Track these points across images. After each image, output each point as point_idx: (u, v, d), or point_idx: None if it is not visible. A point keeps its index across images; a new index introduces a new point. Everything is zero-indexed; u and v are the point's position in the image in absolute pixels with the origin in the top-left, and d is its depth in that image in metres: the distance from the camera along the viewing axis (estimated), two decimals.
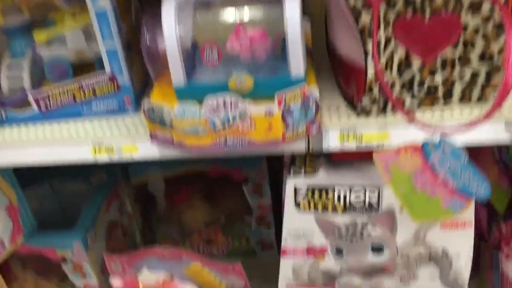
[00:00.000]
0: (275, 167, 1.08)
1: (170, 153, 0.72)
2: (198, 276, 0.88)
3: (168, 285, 0.85)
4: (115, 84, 0.75)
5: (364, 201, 0.74)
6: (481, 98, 0.69)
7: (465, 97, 0.68)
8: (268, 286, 0.94)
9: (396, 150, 0.63)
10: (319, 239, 0.78)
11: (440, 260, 0.76)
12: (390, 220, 0.74)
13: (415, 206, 0.67)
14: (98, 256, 0.95)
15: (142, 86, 0.80)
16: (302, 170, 0.77)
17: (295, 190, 0.75)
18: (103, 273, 0.96)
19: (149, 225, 1.16)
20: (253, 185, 1.04)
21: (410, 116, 0.64)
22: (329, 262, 0.80)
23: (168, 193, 1.11)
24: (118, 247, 1.05)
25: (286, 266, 0.82)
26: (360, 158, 0.78)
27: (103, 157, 0.74)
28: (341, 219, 0.76)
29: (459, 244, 0.75)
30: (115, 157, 0.73)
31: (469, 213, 0.73)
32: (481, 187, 0.60)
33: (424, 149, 0.61)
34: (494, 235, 0.91)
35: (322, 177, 0.76)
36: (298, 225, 0.78)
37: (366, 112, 0.69)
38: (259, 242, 1.13)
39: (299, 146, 0.71)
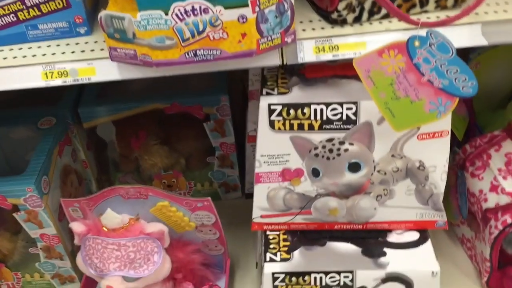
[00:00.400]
0: (237, 105, 1.03)
1: (132, 73, 0.65)
2: (165, 214, 0.82)
3: (134, 226, 0.78)
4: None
5: (341, 117, 0.70)
6: (456, 4, 0.66)
7: (440, 3, 0.64)
8: (234, 229, 0.91)
9: (378, 50, 0.59)
10: (294, 161, 0.74)
11: (416, 174, 0.73)
12: (368, 135, 0.71)
13: (397, 114, 0.64)
14: (54, 204, 0.87)
15: (94, 5, 0.72)
16: (275, 90, 0.72)
17: (269, 110, 0.70)
18: (60, 222, 0.88)
19: (105, 173, 1.08)
20: (215, 122, 0.99)
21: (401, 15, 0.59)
22: (305, 185, 0.76)
23: (123, 137, 1.04)
24: (75, 196, 0.97)
25: (260, 194, 0.77)
26: (334, 75, 0.74)
27: (56, 82, 0.66)
28: (318, 137, 0.71)
29: (435, 156, 0.73)
30: (70, 80, 0.65)
31: (446, 122, 0.70)
32: (468, 83, 0.57)
33: (408, 47, 0.58)
34: (458, 155, 0.90)
35: (296, 95, 0.72)
36: (273, 147, 0.73)
37: (341, 22, 0.65)
38: (223, 184, 1.08)
39: (273, 60, 0.66)
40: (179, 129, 1.04)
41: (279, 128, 0.71)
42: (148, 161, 1.04)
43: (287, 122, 0.71)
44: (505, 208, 0.74)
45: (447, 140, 0.72)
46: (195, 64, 0.63)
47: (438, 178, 0.75)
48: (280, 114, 0.70)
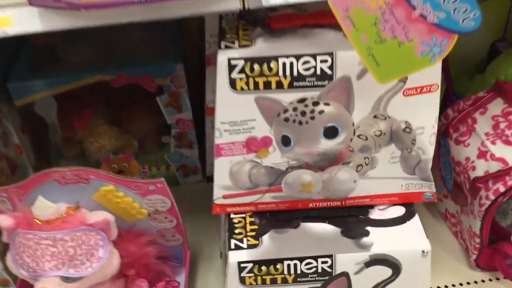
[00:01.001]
0: (194, 75, 0.90)
1: (56, 23, 0.51)
2: (111, 201, 0.69)
3: (73, 216, 0.65)
4: None
5: (315, 72, 0.58)
6: None
7: None
8: (195, 216, 0.80)
9: None
10: (261, 128, 0.61)
11: (402, 137, 0.62)
12: (346, 93, 0.59)
13: (382, 61, 0.52)
14: None
15: None
16: (236, 43, 0.59)
17: (229, 66, 0.57)
18: None
19: (46, 159, 0.94)
20: (170, 96, 0.86)
21: None
22: (274, 157, 0.63)
23: (65, 116, 0.90)
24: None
25: (221, 169, 0.64)
26: (305, 25, 0.61)
27: None
28: (288, 97, 0.59)
29: (423, 115, 0.62)
30: None
31: (435, 74, 0.59)
32: (470, 14, 0.45)
33: None
34: (440, 122, 0.79)
35: (261, 48, 0.59)
36: (235, 112, 0.60)
37: None
38: (181, 167, 0.95)
39: (232, 3, 0.53)
40: (130, 106, 0.91)
41: (242, 88, 0.58)
42: (95, 144, 0.91)
43: (251, 80, 0.58)
44: (497, 176, 0.65)
45: (436, 95, 0.61)
46: (136, 7, 0.49)
47: (426, 141, 0.64)
48: (242, 70, 0.57)
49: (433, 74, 0.59)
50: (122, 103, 0.92)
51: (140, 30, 0.88)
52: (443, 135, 0.80)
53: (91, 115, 0.90)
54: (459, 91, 0.94)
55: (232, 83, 0.59)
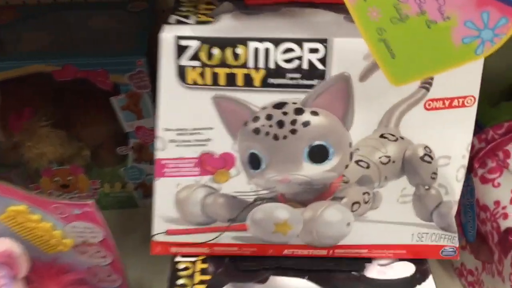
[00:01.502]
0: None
1: None
2: (22, 226, 0.52)
3: None
4: None
5: (300, 66, 0.39)
6: None
7: None
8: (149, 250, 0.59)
9: None
10: (220, 141, 0.43)
11: (418, 167, 0.43)
12: (343, 99, 0.40)
13: (399, 51, 0.33)
14: None
15: None
16: (192, 18, 0.41)
17: (178, 48, 0.39)
18: None
19: None
20: (128, 97, 0.69)
21: None
22: (238, 182, 0.45)
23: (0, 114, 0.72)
24: None
25: (164, 195, 0.46)
26: (291, 2, 0.43)
27: None
28: (260, 100, 0.40)
29: (452, 139, 0.43)
30: None
31: (474, 81, 0.40)
32: None
33: None
34: None
35: (226, 26, 0.41)
36: (184, 115, 0.42)
37: None
38: (140, 186, 0.78)
39: None
40: (85, 107, 0.74)
41: (195, 82, 0.40)
42: (33, 150, 0.74)
43: (207, 72, 0.40)
44: None
45: (471, 113, 0.42)
46: None
47: (452, 177, 0.45)
48: (196, 56, 0.39)
49: (470, 80, 0.40)
50: (74, 102, 0.74)
51: (106, 17, 0.73)
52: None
53: (32, 114, 0.73)
54: (481, 120, 0.76)
55: (181, 73, 0.40)
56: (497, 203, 0.58)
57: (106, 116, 0.74)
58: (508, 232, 0.55)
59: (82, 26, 0.75)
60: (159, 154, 0.45)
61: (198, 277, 0.49)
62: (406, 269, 0.51)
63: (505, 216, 0.57)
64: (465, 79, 0.41)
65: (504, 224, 0.56)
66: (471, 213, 0.62)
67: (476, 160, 0.62)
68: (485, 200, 0.60)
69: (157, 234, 0.49)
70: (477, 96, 0.42)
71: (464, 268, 0.67)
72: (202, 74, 0.41)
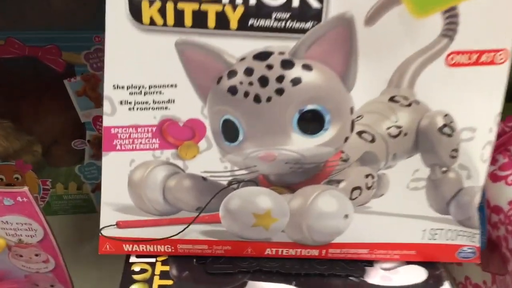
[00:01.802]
0: None
1: None
2: None
3: None
4: None
5: (289, 4, 0.30)
6: None
7: None
8: (111, 260, 0.48)
9: None
10: (186, 103, 0.33)
11: (436, 141, 0.33)
12: (343, 49, 0.31)
13: None
14: None
15: None
16: None
17: None
18: None
19: None
20: (84, 80, 0.59)
21: None
22: (209, 159, 0.34)
23: None
24: None
25: (114, 175, 0.35)
26: None
27: None
28: (237, 48, 0.30)
29: (478, 105, 0.33)
30: None
31: (507, 31, 0.30)
32: None
33: None
34: None
35: None
36: (139, 67, 0.31)
37: None
38: (99, 187, 0.65)
39: None
40: (35, 95, 0.64)
41: (152, 22, 0.30)
42: None
43: (169, 8, 0.30)
44: None
45: (503, 71, 0.33)
46: None
47: (477, 156, 0.36)
48: None
49: (502, 30, 0.31)
50: (23, 88, 0.64)
51: None
52: None
53: None
54: None
55: (135, 9, 0.30)
56: (511, 203, 0.49)
57: (61, 105, 0.64)
58: None
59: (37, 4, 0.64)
60: (107, 121, 0.34)
61: (157, 282, 0.38)
62: (415, 275, 0.41)
63: None
64: (497, 28, 0.32)
65: None
66: (481, 216, 0.53)
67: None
68: (497, 200, 0.51)
69: (105, 227, 0.38)
70: (510, 51, 0.33)
71: (469, 283, 0.57)
72: (161, 11, 0.31)
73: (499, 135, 0.55)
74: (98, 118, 0.63)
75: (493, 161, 0.53)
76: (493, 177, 0.53)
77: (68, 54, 0.59)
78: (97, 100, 0.61)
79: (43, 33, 0.58)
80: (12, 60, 0.59)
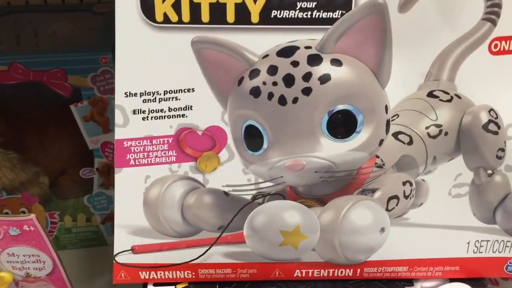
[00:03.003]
0: None
1: None
2: None
3: None
4: None
5: None
6: None
7: None
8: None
9: None
10: (205, 109, 0.29)
11: (479, 143, 0.30)
12: (377, 40, 0.27)
13: None
14: None
15: None
16: None
17: None
18: None
19: None
20: (91, 104, 0.55)
21: None
22: (230, 171, 0.30)
23: None
24: None
25: (128, 194, 0.31)
26: None
27: None
28: (259, 44, 0.27)
29: None
30: None
31: None
32: None
33: None
34: None
35: None
36: (153, 71, 0.28)
37: None
38: (109, 217, 0.63)
39: None
40: (43, 124, 0.61)
41: (167, 19, 0.26)
42: None
43: (184, 2, 0.26)
44: None
45: None
46: None
47: None
48: None
49: None
50: (29, 117, 0.61)
51: (70, 20, 0.61)
52: None
53: None
54: None
55: (146, 5, 0.26)
56: None
57: (68, 132, 0.61)
58: None
59: (43, 31, 0.63)
60: (119, 133, 0.31)
61: None
62: None
63: None
64: None
65: None
66: None
67: None
68: None
69: (119, 253, 0.34)
70: None
71: None
72: (176, 7, 0.28)
73: None
74: (107, 144, 0.60)
75: None
76: None
77: (74, 78, 0.56)
78: (105, 125, 0.58)
79: (47, 56, 0.55)
80: (17, 86, 0.56)
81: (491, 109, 0.32)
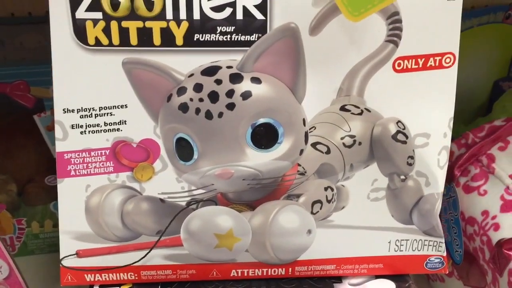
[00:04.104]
0: None
1: None
2: None
3: None
4: None
5: (233, 14, 0.29)
6: None
7: None
8: None
9: None
10: (138, 124, 0.31)
11: (390, 151, 0.32)
12: (291, 59, 0.30)
13: None
14: None
15: None
16: None
17: None
18: None
19: None
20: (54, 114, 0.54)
21: None
22: (165, 180, 0.33)
23: None
24: None
25: (70, 202, 0.33)
26: None
27: None
28: (184, 64, 0.29)
29: (429, 111, 0.32)
30: None
31: (451, 32, 0.30)
32: None
33: None
34: None
35: None
36: (88, 90, 0.30)
37: None
38: None
39: None
40: (10, 134, 0.62)
41: (98, 42, 0.29)
42: None
43: (113, 27, 0.29)
44: None
45: (451, 74, 0.32)
46: None
47: (434, 162, 0.34)
48: (97, 5, 0.28)
49: (447, 33, 0.31)
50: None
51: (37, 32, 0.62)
52: (446, 179, 0.51)
53: None
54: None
55: (79, 30, 0.29)
56: (485, 213, 0.48)
57: (34, 142, 0.62)
58: (501, 244, 0.44)
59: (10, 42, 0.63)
60: (59, 146, 0.33)
61: None
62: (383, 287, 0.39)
63: (496, 227, 0.46)
64: (441, 32, 0.32)
65: (496, 236, 0.45)
66: (456, 229, 0.52)
67: (457, 167, 0.52)
68: (471, 211, 0.50)
69: (65, 257, 0.36)
70: (457, 54, 0.33)
71: None
72: (106, 31, 0.30)
73: (470, 146, 0.54)
74: None
75: (465, 172, 0.52)
76: (465, 188, 0.51)
77: (36, 89, 0.57)
78: None
79: (11, 69, 0.57)
80: None
81: (399, 121, 0.34)
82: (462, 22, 0.56)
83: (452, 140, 0.53)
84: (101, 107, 0.32)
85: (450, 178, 0.53)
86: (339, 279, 0.39)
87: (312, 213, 0.36)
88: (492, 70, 0.78)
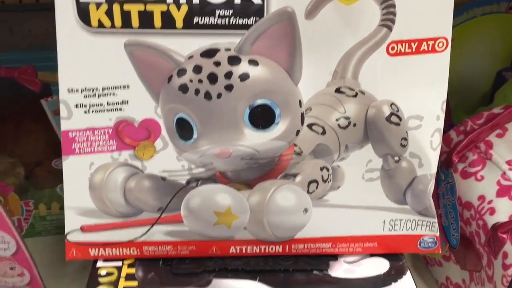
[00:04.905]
0: None
1: None
2: None
3: None
4: None
5: (231, 1, 0.29)
6: None
7: None
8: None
9: None
10: (139, 103, 0.33)
11: (384, 133, 0.33)
12: (287, 42, 0.31)
13: None
14: None
15: None
16: None
17: None
18: None
19: None
20: None
21: None
22: (166, 158, 0.34)
23: None
24: None
25: (75, 179, 0.35)
26: None
27: None
28: (185, 46, 0.31)
29: (422, 94, 0.34)
30: None
31: (444, 18, 0.31)
32: None
33: None
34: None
35: None
36: (91, 70, 0.31)
37: None
38: None
39: None
40: (18, 118, 0.63)
41: (101, 24, 0.30)
42: None
43: (116, 9, 0.30)
44: None
45: (444, 59, 0.33)
46: None
47: (426, 144, 0.35)
48: None
49: (440, 18, 0.31)
50: (5, 111, 0.63)
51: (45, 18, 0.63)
52: (443, 166, 0.53)
53: None
54: None
55: (83, 13, 0.30)
56: (481, 198, 0.49)
57: (42, 126, 0.63)
58: (496, 228, 0.45)
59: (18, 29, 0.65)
60: (64, 125, 0.34)
61: (122, 284, 0.37)
62: (378, 267, 0.40)
63: (492, 211, 0.47)
64: (434, 17, 0.33)
65: (492, 220, 0.46)
66: (453, 214, 0.53)
67: (455, 154, 0.52)
68: (468, 196, 0.50)
69: (70, 232, 0.38)
70: (449, 38, 0.34)
71: (450, 283, 0.56)
72: (109, 13, 0.31)
73: (469, 133, 0.55)
74: None
75: (463, 158, 0.53)
76: (463, 174, 0.52)
77: (43, 74, 0.59)
78: None
79: (18, 53, 0.58)
80: None
81: (392, 103, 0.35)
82: (466, 12, 0.57)
83: (452, 127, 0.54)
84: (104, 87, 0.33)
85: (449, 164, 0.54)
86: (334, 257, 0.41)
87: (308, 192, 0.37)
88: (495, 60, 0.78)
